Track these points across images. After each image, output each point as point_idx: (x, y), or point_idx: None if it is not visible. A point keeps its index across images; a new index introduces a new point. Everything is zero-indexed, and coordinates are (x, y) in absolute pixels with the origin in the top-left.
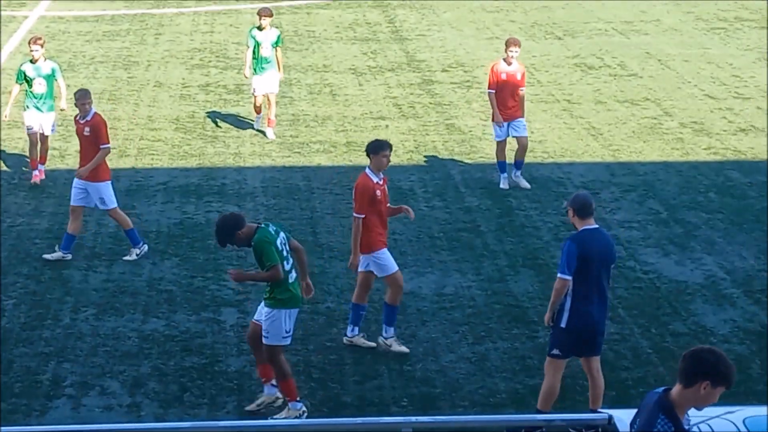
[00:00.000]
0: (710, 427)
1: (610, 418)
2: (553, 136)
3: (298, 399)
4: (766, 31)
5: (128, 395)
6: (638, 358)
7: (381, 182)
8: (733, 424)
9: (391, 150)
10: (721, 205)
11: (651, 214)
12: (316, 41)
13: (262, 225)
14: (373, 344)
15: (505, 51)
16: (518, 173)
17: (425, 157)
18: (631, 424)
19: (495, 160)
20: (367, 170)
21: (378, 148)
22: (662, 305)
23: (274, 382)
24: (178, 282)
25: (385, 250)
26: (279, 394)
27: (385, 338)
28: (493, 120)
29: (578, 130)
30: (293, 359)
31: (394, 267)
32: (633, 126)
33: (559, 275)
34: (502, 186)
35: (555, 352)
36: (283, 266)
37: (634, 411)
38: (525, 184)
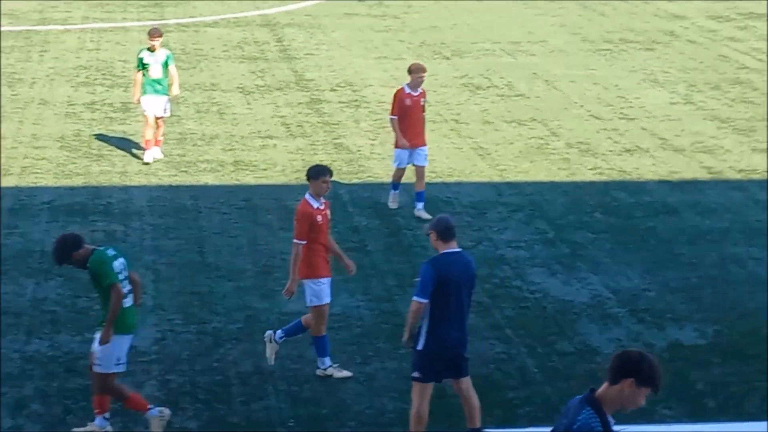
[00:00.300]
0: None
1: None
2: (440, 156)
3: (150, 406)
4: (652, 52)
5: (10, 417)
6: (525, 377)
7: (322, 207)
8: None
9: (331, 175)
10: (606, 225)
11: (538, 234)
12: (204, 59)
13: (100, 247)
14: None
15: (412, 76)
16: (420, 206)
17: None
18: (553, 431)
19: (382, 180)
20: (307, 195)
21: (318, 174)
22: (549, 325)
23: (107, 415)
24: (63, 302)
25: (329, 279)
26: (110, 428)
27: (324, 369)
28: (396, 146)
29: (466, 150)
30: (179, 380)
31: (327, 299)
32: (520, 146)
33: (414, 298)
34: (390, 205)
35: (415, 374)
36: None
37: (520, 430)
38: (426, 216)
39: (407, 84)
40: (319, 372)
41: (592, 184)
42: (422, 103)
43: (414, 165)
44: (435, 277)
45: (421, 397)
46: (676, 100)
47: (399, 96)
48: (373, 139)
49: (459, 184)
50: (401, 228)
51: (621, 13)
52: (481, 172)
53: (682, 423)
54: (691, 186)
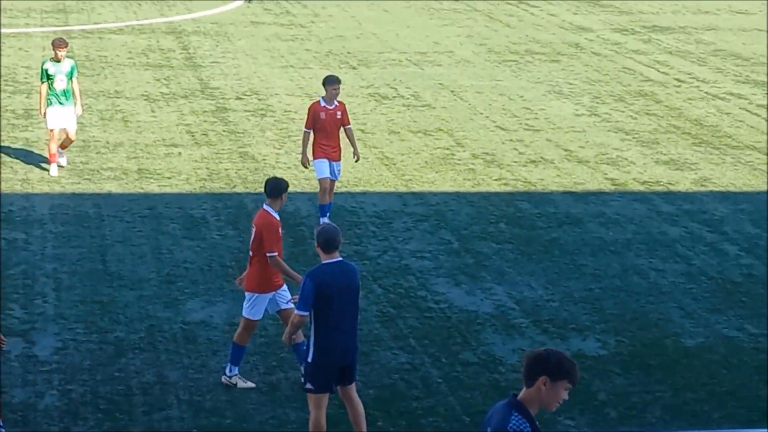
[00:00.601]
0: None
1: None
2: (346, 165)
3: None
4: (557, 64)
5: None
6: (428, 387)
7: (279, 219)
8: None
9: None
10: (511, 236)
11: (443, 244)
12: (108, 66)
13: None
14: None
15: (326, 89)
16: (325, 219)
17: (218, 185)
18: None
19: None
20: (268, 208)
21: (286, 187)
22: (453, 335)
23: (0, 422)
24: None
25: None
26: None
27: (229, 376)
28: (302, 162)
29: (372, 160)
30: (80, 390)
31: (259, 316)
32: (426, 156)
33: (295, 311)
34: None
35: (307, 386)
36: None
37: None
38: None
39: (322, 97)
40: (224, 379)
41: (497, 194)
42: (338, 117)
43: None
44: (314, 288)
45: (317, 407)
46: (580, 111)
47: (313, 109)
48: (279, 149)
49: (364, 193)
50: (306, 238)
51: (527, 24)
52: (387, 182)
53: None
54: (594, 197)
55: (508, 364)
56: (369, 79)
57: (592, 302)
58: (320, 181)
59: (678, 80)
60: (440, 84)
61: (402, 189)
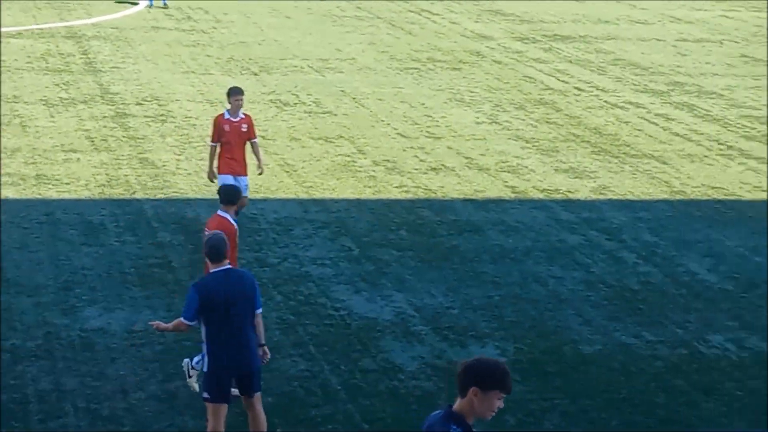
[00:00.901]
0: None
1: None
2: (247, 172)
3: None
4: (458, 72)
5: None
6: (328, 395)
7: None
8: None
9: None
10: (411, 243)
11: (343, 251)
12: (7, 71)
13: None
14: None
15: (230, 100)
16: None
17: (117, 191)
18: None
19: (188, 195)
20: (224, 214)
21: (240, 193)
22: (352, 342)
23: None
24: None
25: None
26: None
27: (193, 366)
28: (208, 176)
29: (272, 167)
30: None
31: None
32: (327, 163)
33: (181, 318)
34: None
35: (204, 395)
36: None
37: None
38: None
39: (227, 109)
40: (185, 362)
41: (397, 201)
42: (243, 130)
43: None
44: (197, 299)
45: (215, 417)
46: (481, 119)
47: (217, 122)
48: (179, 155)
49: (265, 200)
50: None
51: (429, 32)
52: (288, 189)
53: None
54: (494, 205)
55: (407, 371)
56: (270, 85)
57: (491, 309)
58: None
59: (578, 89)
60: (342, 91)
61: (303, 196)
